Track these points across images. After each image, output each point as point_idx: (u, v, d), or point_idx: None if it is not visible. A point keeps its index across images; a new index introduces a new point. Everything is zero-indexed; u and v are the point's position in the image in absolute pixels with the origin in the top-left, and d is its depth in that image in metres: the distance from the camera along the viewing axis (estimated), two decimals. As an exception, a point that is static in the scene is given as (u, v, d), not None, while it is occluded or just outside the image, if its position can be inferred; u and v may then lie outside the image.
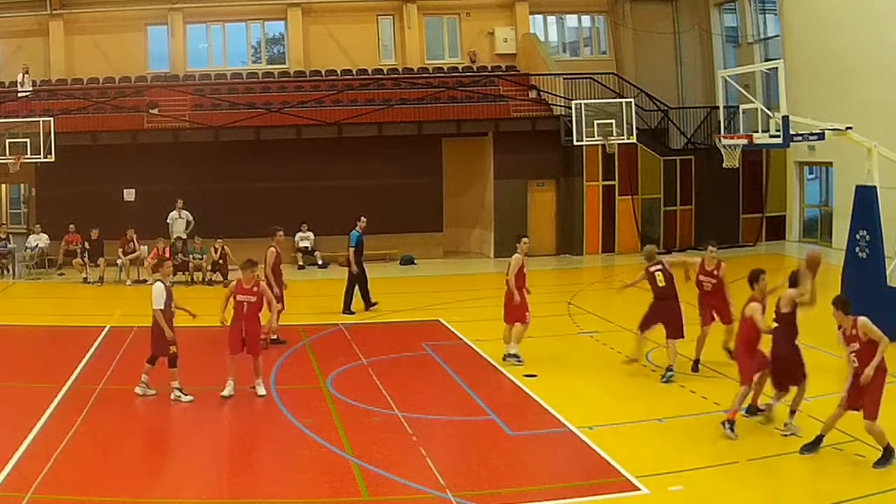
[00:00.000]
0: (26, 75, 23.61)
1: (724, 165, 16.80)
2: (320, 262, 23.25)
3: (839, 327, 8.87)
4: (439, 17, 28.41)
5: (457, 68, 27.52)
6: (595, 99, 23.65)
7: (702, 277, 12.34)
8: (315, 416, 10.49)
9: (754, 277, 10.09)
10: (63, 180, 22.56)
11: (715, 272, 12.29)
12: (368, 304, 17.19)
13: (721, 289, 12.31)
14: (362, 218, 17.15)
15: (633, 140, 23.22)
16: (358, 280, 17.08)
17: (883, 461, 8.53)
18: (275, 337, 13.89)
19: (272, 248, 14.47)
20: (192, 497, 8.26)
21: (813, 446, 8.90)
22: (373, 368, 12.71)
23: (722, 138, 17.17)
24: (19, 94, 23.37)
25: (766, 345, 9.91)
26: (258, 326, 11.65)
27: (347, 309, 16.94)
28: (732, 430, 9.46)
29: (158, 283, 11.25)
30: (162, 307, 11.06)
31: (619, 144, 23.26)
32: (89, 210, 22.39)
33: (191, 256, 21.29)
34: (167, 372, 11.05)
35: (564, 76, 24.95)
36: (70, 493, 8.12)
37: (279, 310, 13.59)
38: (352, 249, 16.90)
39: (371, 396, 11.23)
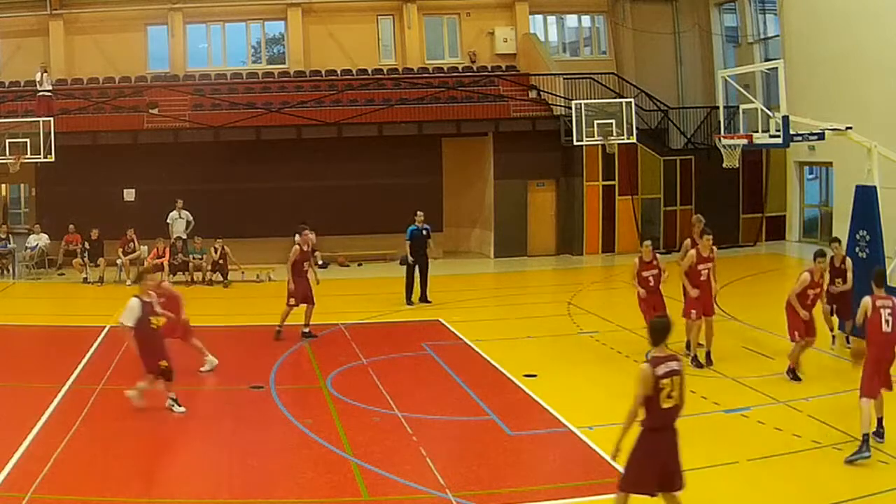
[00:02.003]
0: (45, 74, 23.49)
1: (724, 165, 16.79)
2: (320, 262, 23.16)
3: None
4: (439, 17, 28.39)
5: (457, 68, 27.49)
6: (595, 99, 23.62)
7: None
8: (315, 416, 10.48)
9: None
10: (63, 180, 22.54)
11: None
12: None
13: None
14: (419, 213, 17.93)
15: (633, 140, 23.18)
16: (417, 272, 17.75)
17: (855, 453, 8.52)
18: (306, 331, 14.56)
19: (296, 246, 14.75)
20: (192, 497, 8.26)
21: (860, 452, 8.60)
22: (373, 368, 12.70)
23: (722, 138, 17.15)
24: (39, 93, 23.23)
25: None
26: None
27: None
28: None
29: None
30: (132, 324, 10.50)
31: (619, 144, 23.23)
32: (89, 210, 22.36)
33: (191, 256, 21.27)
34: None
35: (564, 76, 24.92)
36: (70, 493, 8.12)
37: (312, 306, 14.55)
38: (410, 243, 17.72)
39: (371, 396, 11.22)
